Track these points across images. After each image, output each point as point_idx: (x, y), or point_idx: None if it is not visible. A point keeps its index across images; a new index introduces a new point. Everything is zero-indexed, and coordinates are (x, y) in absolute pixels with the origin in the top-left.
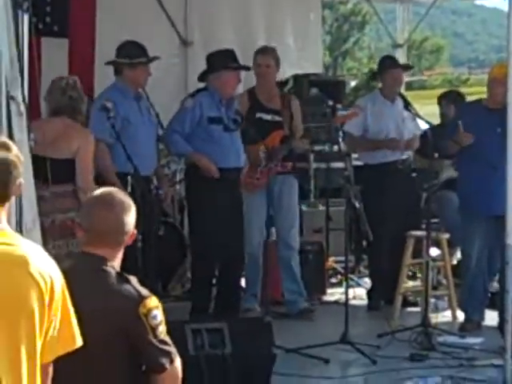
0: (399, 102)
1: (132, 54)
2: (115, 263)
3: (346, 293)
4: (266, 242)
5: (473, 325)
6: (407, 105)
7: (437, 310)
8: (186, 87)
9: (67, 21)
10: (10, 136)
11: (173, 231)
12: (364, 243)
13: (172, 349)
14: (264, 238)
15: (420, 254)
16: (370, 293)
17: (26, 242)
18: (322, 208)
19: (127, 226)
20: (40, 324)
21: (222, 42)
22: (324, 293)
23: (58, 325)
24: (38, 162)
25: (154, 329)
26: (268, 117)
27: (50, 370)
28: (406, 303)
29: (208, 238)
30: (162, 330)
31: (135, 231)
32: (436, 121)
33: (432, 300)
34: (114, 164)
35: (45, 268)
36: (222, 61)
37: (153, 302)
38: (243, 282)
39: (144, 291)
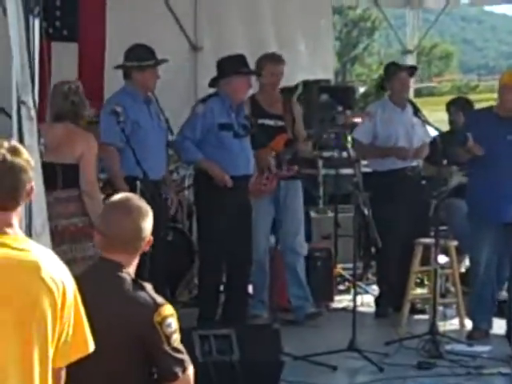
0: (409, 109)
1: (140, 57)
2: (131, 269)
3: (354, 300)
4: (274, 249)
5: (481, 333)
6: (417, 111)
7: (445, 317)
8: (196, 92)
9: (77, 25)
10: (21, 141)
11: (181, 237)
12: (372, 250)
13: (185, 357)
14: (271, 244)
15: (428, 262)
16: (377, 300)
17: (38, 247)
18: (330, 214)
19: (144, 232)
20: (52, 329)
21: (232, 48)
22: (332, 300)
23: (70, 330)
24: (45, 167)
25: (168, 337)
26: (271, 122)
27: (63, 374)
28: (414, 311)
29: (216, 245)
30: (176, 338)
31: (151, 237)
32: (445, 127)
33: (440, 308)
34: (123, 168)
35: (57, 273)
36: (232, 66)
37: (168, 309)
38: (250, 289)
39: (159, 299)
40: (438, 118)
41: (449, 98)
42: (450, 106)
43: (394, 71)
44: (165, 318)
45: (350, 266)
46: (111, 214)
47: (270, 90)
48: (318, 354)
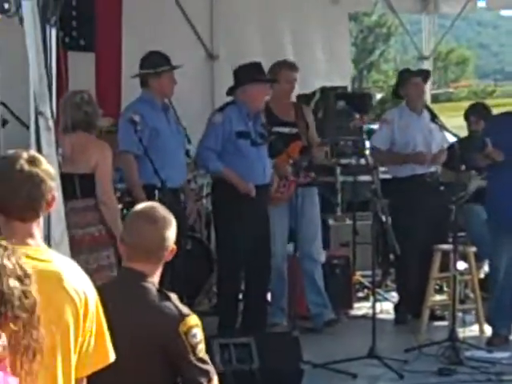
0: (426, 115)
1: (156, 64)
2: (155, 279)
3: (373, 307)
4: (292, 256)
5: (500, 339)
6: (434, 117)
7: (464, 324)
8: (213, 101)
9: (93, 35)
10: (39, 151)
11: (200, 246)
12: (391, 257)
13: (210, 367)
14: (289, 251)
15: (447, 268)
16: (397, 307)
17: (59, 257)
18: (348, 222)
19: (168, 242)
20: (75, 339)
21: (248, 56)
22: (351, 307)
23: (91, 341)
24: (63, 178)
25: (193, 347)
26: (285, 130)
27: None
28: (434, 317)
29: (234, 253)
30: (201, 348)
31: (175, 247)
32: (463, 133)
33: (459, 314)
34: (141, 177)
35: (79, 283)
36: (249, 74)
37: (193, 320)
38: (269, 296)
39: (184, 309)
40: (455, 124)
41: (466, 103)
42: (469, 116)
43: (407, 77)
44: (190, 328)
45: (369, 273)
46: (135, 224)
47: (284, 97)
48: (337, 362)
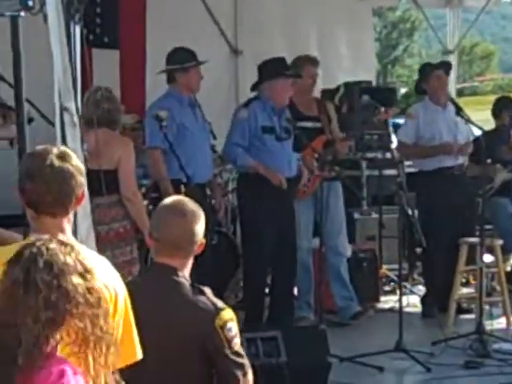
0: (451, 108)
1: (183, 59)
2: (186, 273)
3: (400, 300)
4: (318, 250)
5: None
6: (459, 110)
7: (491, 316)
8: (237, 96)
9: (117, 32)
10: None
11: (226, 241)
12: (417, 250)
13: (245, 361)
14: (315, 245)
15: (474, 261)
16: (423, 300)
17: (90, 252)
18: (374, 215)
19: (197, 236)
20: None
21: (272, 51)
22: (378, 300)
23: (119, 337)
24: (89, 174)
25: (229, 341)
26: (309, 124)
27: (112, 380)
28: (460, 310)
29: (260, 248)
30: (236, 341)
31: (204, 240)
32: (488, 127)
33: (486, 307)
34: (167, 172)
35: (109, 280)
36: (274, 69)
37: (228, 314)
38: (295, 291)
39: (220, 303)
40: (481, 118)
41: (491, 97)
42: (495, 107)
43: (429, 71)
44: (226, 322)
45: (395, 266)
46: (164, 218)
47: (306, 92)
48: (364, 355)
